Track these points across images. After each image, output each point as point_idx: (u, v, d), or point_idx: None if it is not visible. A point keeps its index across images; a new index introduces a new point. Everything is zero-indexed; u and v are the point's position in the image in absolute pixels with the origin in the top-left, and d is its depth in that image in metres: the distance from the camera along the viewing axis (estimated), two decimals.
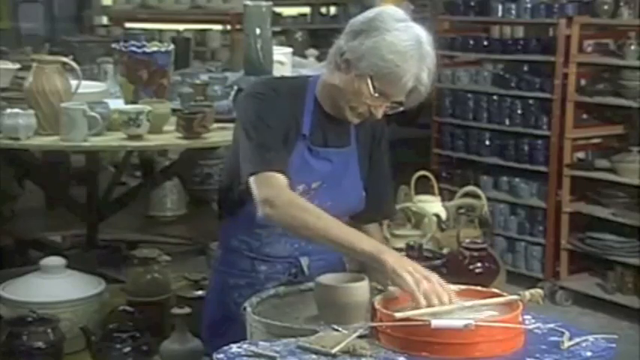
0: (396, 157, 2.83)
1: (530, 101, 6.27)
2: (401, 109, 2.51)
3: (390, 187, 2.82)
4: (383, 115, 2.58)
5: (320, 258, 2.63)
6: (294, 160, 2.53)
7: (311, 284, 2.45)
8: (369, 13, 2.48)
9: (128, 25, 8.99)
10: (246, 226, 2.62)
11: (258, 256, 2.63)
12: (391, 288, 2.34)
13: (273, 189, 2.40)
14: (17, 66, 4.26)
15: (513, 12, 6.48)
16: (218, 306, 2.71)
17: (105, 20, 9.95)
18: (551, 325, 2.27)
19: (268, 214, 2.39)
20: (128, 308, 3.69)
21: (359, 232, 2.39)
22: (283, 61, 4.14)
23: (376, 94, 2.44)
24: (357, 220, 2.75)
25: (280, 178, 2.42)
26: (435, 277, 2.25)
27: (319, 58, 6.31)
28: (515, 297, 2.23)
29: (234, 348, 2.17)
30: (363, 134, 2.65)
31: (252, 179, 2.44)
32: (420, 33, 2.43)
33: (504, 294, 2.28)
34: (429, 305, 2.18)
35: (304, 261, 2.63)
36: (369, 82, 2.43)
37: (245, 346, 2.18)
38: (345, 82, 2.47)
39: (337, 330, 2.23)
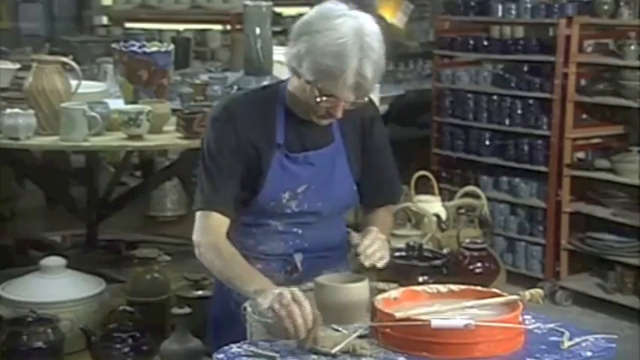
0: (396, 157, 2.82)
1: (530, 101, 6.26)
2: (365, 100, 2.47)
3: (394, 170, 2.78)
4: (370, 102, 2.62)
5: (318, 256, 2.63)
6: (274, 169, 2.54)
7: (311, 284, 2.45)
8: (304, 16, 2.47)
9: (128, 25, 8.99)
10: (241, 226, 2.63)
11: (254, 254, 2.63)
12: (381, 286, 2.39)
13: (204, 234, 2.51)
14: (17, 66, 4.27)
15: (513, 12, 6.47)
16: (220, 305, 2.71)
17: (105, 20, 9.95)
18: (551, 325, 2.27)
19: (197, 254, 2.54)
20: (128, 308, 3.69)
21: (256, 275, 2.42)
22: (283, 61, 4.14)
23: (323, 97, 2.42)
24: (366, 207, 2.77)
25: (217, 220, 2.50)
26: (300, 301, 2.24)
27: None
28: (515, 297, 2.23)
29: (234, 348, 2.17)
30: (351, 126, 2.62)
31: (196, 214, 2.55)
32: (360, 25, 2.38)
33: (504, 294, 2.28)
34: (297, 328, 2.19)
35: (298, 257, 2.63)
36: (313, 86, 2.42)
37: (245, 346, 2.18)
38: (298, 88, 2.48)
39: (337, 330, 2.23)
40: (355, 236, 2.53)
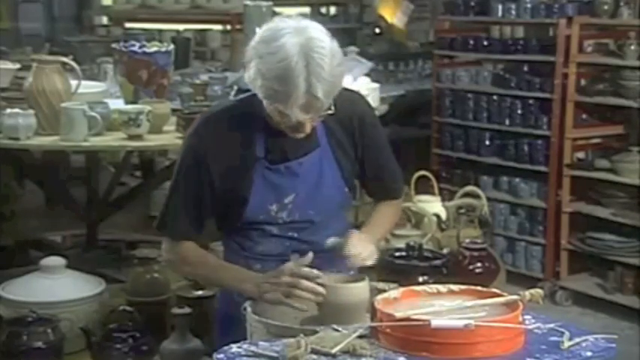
0: (396, 157, 2.81)
1: (530, 101, 6.26)
2: (330, 112, 2.42)
3: (392, 165, 2.75)
4: (360, 98, 2.65)
5: (318, 256, 2.61)
6: (257, 183, 2.54)
7: None
8: (252, 40, 2.41)
9: (128, 25, 9.00)
10: (239, 229, 2.63)
11: (253, 255, 2.63)
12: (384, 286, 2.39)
13: (171, 250, 2.63)
14: (17, 66, 4.27)
15: (513, 12, 6.47)
16: (224, 305, 2.72)
17: (105, 20, 9.96)
18: (551, 325, 2.27)
19: (168, 267, 2.80)
20: (128, 308, 3.69)
21: (230, 270, 2.58)
22: None
23: (285, 119, 2.39)
24: (374, 200, 2.79)
25: (176, 240, 2.61)
26: (293, 280, 2.39)
27: None
28: (515, 297, 2.23)
29: (235, 348, 2.17)
30: (339, 127, 2.59)
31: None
32: (305, 43, 2.30)
33: (504, 294, 2.28)
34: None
35: (294, 257, 2.62)
36: (271, 107, 2.40)
37: (245, 346, 2.18)
38: (266, 106, 2.45)
39: (337, 330, 2.24)
40: (332, 240, 2.53)
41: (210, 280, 2.73)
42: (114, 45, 4.13)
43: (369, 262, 2.47)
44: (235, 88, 3.99)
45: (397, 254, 3.49)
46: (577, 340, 2.18)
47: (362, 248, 2.47)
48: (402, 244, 3.61)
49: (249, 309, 2.40)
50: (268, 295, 2.42)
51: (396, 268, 3.33)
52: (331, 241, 2.53)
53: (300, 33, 2.33)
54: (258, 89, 2.38)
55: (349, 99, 2.56)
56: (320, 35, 2.34)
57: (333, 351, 2.09)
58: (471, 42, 6.74)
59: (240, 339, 2.27)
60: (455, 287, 2.32)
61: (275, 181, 2.54)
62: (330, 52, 2.33)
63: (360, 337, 2.17)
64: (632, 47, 5.71)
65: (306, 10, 9.48)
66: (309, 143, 2.55)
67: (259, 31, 2.40)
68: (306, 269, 2.39)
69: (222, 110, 2.64)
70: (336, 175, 2.61)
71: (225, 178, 2.53)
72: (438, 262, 3.45)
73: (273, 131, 2.52)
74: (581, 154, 6.13)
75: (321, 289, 2.36)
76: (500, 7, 6.51)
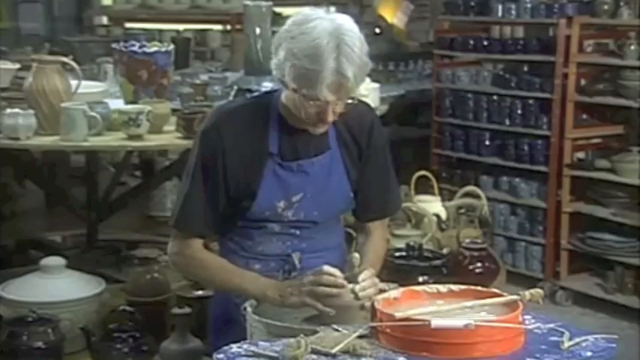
0: (396, 157, 2.81)
1: (530, 101, 6.27)
2: (349, 101, 2.46)
3: (392, 184, 2.75)
4: (369, 109, 2.67)
5: (317, 256, 2.62)
6: (267, 178, 2.54)
7: None
8: (283, 26, 2.47)
9: (128, 25, 8.99)
10: (239, 227, 2.64)
11: (252, 255, 2.63)
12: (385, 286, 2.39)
13: (179, 252, 2.62)
14: (17, 66, 4.27)
15: (513, 12, 6.47)
16: (220, 306, 2.72)
17: (105, 20, 9.94)
18: (551, 325, 2.27)
19: (175, 268, 2.75)
20: (128, 308, 3.69)
21: (249, 277, 2.55)
22: None
23: (311, 102, 2.42)
24: (360, 219, 2.75)
25: (191, 240, 2.61)
26: (316, 278, 2.40)
27: None
28: (515, 297, 2.23)
29: (235, 348, 2.17)
30: (348, 134, 2.62)
31: (172, 230, 2.64)
32: (336, 26, 2.38)
33: (504, 294, 2.28)
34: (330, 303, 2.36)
35: (296, 256, 2.63)
36: (298, 93, 2.41)
37: (245, 346, 2.18)
38: (288, 98, 2.48)
39: (337, 330, 2.24)
40: (356, 259, 2.49)
41: (225, 285, 2.60)
42: (114, 45, 4.13)
43: (368, 304, 2.38)
44: (235, 88, 3.99)
45: (397, 254, 3.49)
46: (577, 340, 2.18)
47: (371, 283, 2.42)
48: (402, 244, 3.61)
49: (249, 309, 2.40)
50: (293, 299, 2.42)
51: (396, 268, 3.34)
52: (355, 259, 2.49)
53: (331, 19, 2.42)
54: (288, 71, 2.40)
55: (360, 108, 2.58)
56: (350, 23, 2.43)
57: (333, 351, 2.09)
58: (471, 42, 6.74)
59: (237, 340, 2.26)
60: (455, 287, 2.33)
61: (285, 179, 2.55)
62: (359, 38, 2.42)
63: (360, 337, 2.17)
64: (632, 47, 5.72)
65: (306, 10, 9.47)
66: (321, 144, 2.58)
67: (290, 18, 2.47)
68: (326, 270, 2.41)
69: (237, 106, 2.68)
70: (343, 178, 2.62)
71: (237, 173, 2.53)
72: (438, 262, 3.45)
73: (287, 129, 2.54)
74: (581, 154, 6.13)
75: (342, 281, 2.37)
76: (500, 7, 6.51)
